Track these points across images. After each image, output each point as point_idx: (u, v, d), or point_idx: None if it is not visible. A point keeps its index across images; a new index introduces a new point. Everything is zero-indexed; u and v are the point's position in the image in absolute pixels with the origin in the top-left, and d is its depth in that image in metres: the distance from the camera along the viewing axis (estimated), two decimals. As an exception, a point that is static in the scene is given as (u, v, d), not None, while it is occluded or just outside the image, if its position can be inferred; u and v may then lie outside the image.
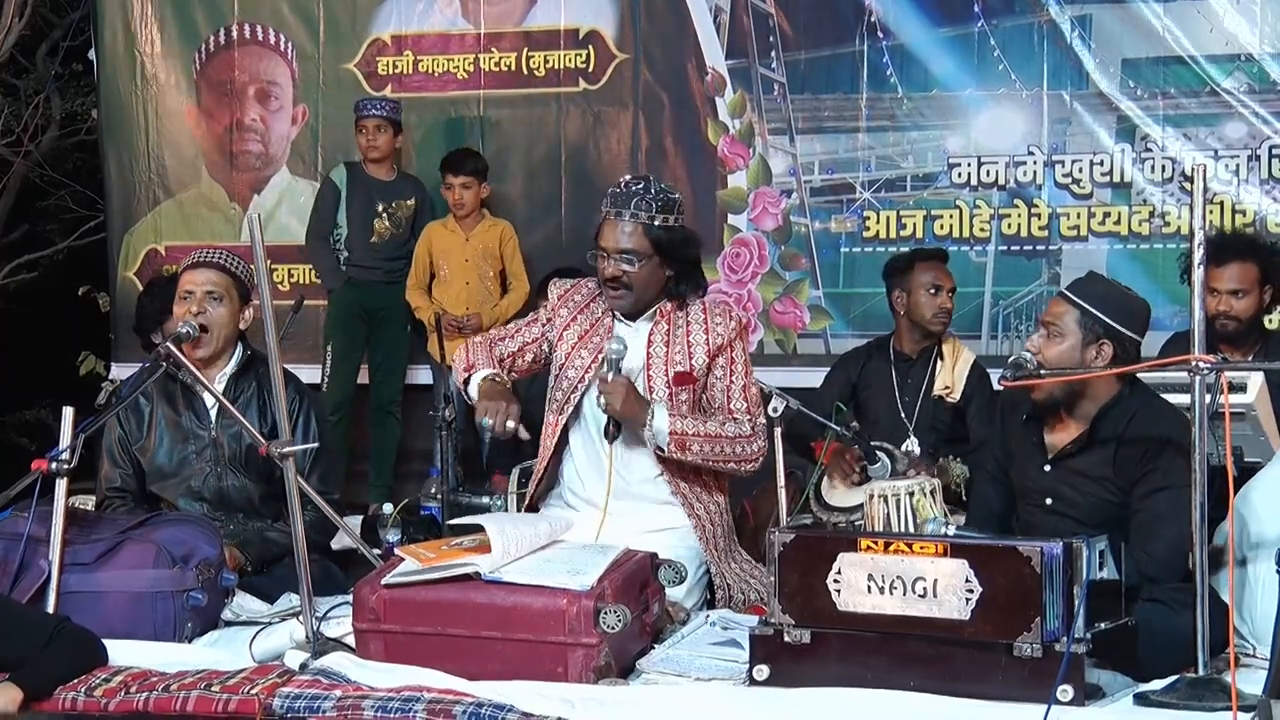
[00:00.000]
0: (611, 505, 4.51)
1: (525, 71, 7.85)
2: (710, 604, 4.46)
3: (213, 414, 4.80)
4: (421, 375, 7.77)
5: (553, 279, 4.88)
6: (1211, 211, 6.60)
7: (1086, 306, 4.10)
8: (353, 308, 7.57)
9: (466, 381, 4.49)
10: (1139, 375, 4.17)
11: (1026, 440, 4.30)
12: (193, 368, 4.57)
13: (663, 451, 4.40)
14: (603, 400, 4.36)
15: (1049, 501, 4.20)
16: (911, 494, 4.70)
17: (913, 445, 5.70)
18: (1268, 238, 6.52)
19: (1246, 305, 5.44)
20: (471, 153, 7.59)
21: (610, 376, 4.35)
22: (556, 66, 7.80)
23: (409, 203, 7.60)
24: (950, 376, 5.96)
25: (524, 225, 7.71)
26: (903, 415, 5.96)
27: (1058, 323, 4.13)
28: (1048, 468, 4.21)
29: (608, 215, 4.51)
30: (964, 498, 5.15)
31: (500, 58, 7.86)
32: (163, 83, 8.27)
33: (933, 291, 6.02)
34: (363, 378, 7.66)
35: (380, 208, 7.53)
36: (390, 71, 8.00)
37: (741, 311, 4.62)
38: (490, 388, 4.39)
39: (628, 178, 4.60)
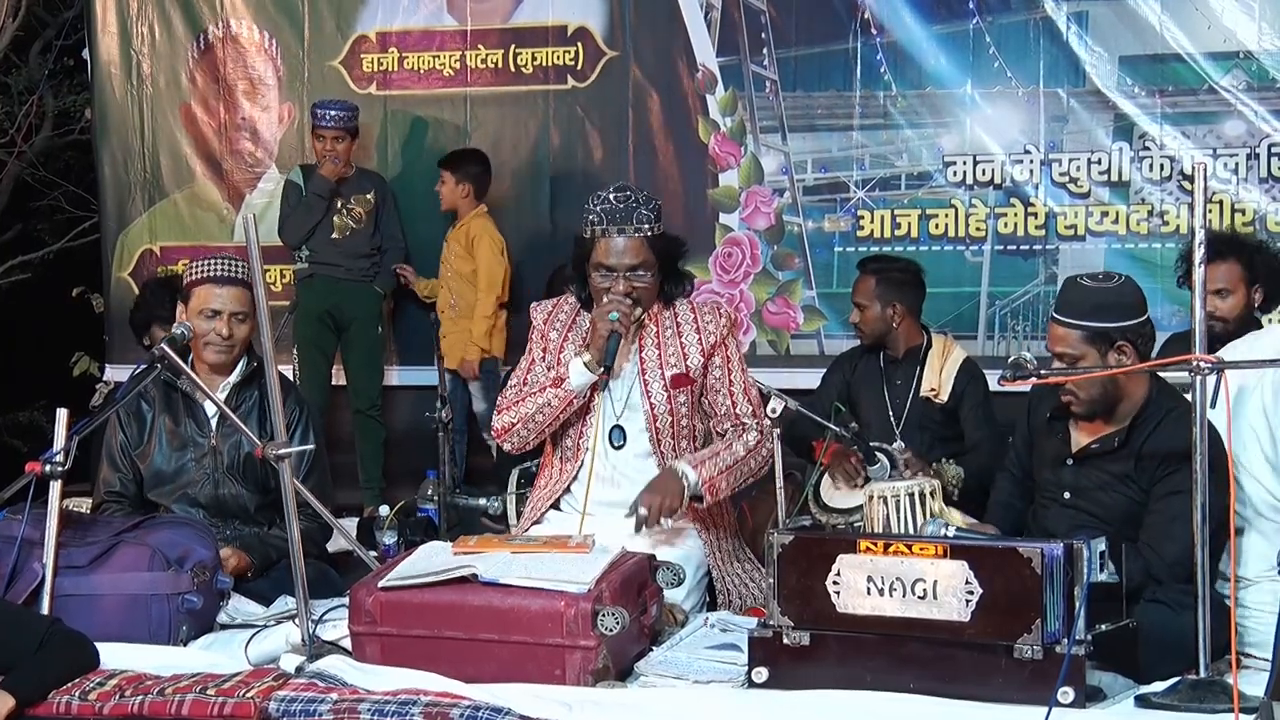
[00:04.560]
0: (615, 512, 4.40)
1: (512, 69, 7.80)
2: (711, 606, 4.44)
3: (213, 422, 4.79)
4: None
5: (531, 305, 4.77)
6: (1210, 210, 6.57)
7: (1084, 324, 4.03)
8: (319, 310, 7.52)
9: (562, 381, 4.40)
10: (1160, 372, 4.13)
11: (1051, 435, 4.25)
12: (190, 372, 4.57)
13: (700, 503, 4.36)
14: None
15: (1067, 496, 4.15)
16: (912, 495, 4.68)
17: (899, 445, 5.63)
18: (1264, 236, 6.50)
19: (1232, 305, 5.44)
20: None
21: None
22: (544, 64, 7.75)
23: (368, 197, 7.55)
24: (937, 378, 5.87)
25: (511, 224, 7.67)
26: (891, 416, 5.88)
27: (1068, 349, 4.05)
28: (1070, 461, 4.16)
29: (606, 233, 4.36)
30: (956, 499, 5.11)
31: (487, 55, 7.82)
32: (157, 82, 8.22)
33: (858, 306, 5.97)
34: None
35: (339, 204, 7.49)
36: (375, 69, 7.95)
37: (730, 308, 4.54)
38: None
39: (609, 191, 4.44)
